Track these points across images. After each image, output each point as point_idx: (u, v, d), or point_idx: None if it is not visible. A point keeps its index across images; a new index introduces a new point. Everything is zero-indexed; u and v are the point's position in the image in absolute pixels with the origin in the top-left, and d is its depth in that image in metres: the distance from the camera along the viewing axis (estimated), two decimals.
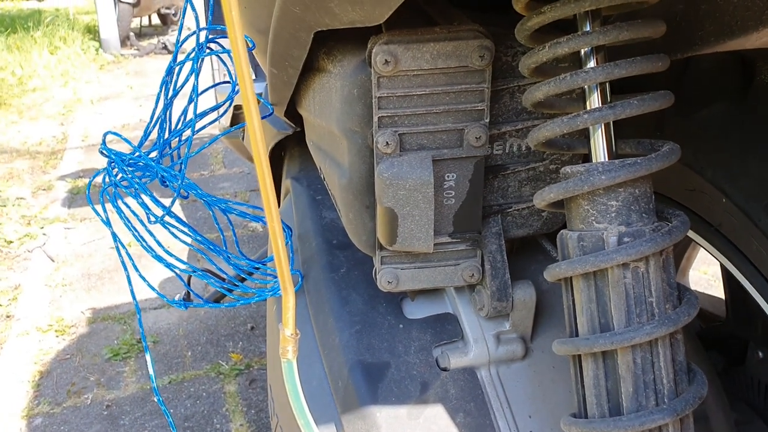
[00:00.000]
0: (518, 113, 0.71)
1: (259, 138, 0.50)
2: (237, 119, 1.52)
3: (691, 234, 0.72)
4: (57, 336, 2.36)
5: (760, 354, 0.86)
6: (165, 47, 7.85)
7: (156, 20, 9.40)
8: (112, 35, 7.69)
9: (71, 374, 2.14)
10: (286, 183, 1.15)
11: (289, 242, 0.91)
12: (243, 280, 0.90)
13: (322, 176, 0.86)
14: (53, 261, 2.91)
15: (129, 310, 2.49)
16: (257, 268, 0.90)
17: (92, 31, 8.30)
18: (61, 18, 8.53)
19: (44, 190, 3.80)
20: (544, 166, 0.74)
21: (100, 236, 3.11)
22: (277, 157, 1.27)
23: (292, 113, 0.97)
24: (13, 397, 2.04)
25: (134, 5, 7.87)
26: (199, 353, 2.20)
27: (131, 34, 8.08)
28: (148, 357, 0.82)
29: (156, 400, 0.87)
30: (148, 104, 5.56)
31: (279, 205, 1.34)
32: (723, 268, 0.91)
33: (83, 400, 2.01)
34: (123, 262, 0.85)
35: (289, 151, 1.20)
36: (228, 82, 0.89)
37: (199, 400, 1.98)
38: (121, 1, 7.71)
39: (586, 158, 0.61)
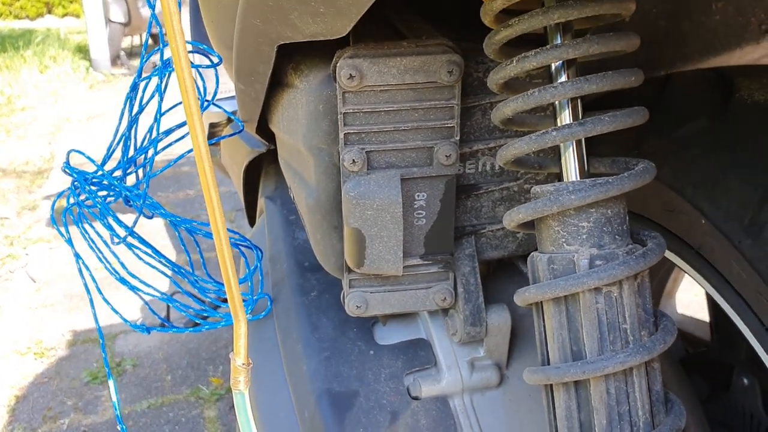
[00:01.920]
0: (491, 131, 0.69)
1: (205, 156, 0.47)
2: (212, 137, 1.50)
3: (670, 256, 0.69)
4: (36, 359, 2.31)
5: (745, 381, 0.83)
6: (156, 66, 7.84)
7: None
8: (102, 55, 7.68)
9: (48, 398, 2.09)
10: (261, 202, 1.12)
11: (259, 265, 0.88)
12: (216, 307, 0.87)
13: (291, 196, 0.84)
14: (35, 282, 2.86)
15: (110, 332, 2.45)
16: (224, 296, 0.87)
17: (83, 51, 8.30)
18: (51, 38, 8.53)
19: (29, 209, 3.76)
20: (518, 186, 0.72)
21: (84, 257, 3.06)
22: (256, 175, 1.25)
23: (265, 130, 0.94)
24: None
25: (125, 24, 7.87)
26: (180, 377, 2.16)
27: (122, 53, 8.08)
28: (111, 385, 0.79)
29: (120, 429, 0.83)
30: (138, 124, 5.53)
31: (253, 225, 1.32)
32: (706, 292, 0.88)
33: (59, 425, 1.96)
34: (86, 285, 0.82)
35: (265, 169, 1.17)
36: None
37: (178, 425, 1.93)
38: (112, 21, 7.70)
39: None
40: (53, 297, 2.72)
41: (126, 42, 8.74)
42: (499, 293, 0.78)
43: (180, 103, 0.90)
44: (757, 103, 0.62)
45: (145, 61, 0.79)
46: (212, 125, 1.25)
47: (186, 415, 1.98)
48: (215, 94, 0.84)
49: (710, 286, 0.64)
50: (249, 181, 1.21)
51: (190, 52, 0.84)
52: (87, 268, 0.83)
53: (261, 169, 1.18)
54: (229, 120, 1.25)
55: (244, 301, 0.87)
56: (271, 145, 1.04)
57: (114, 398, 0.83)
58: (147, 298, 0.86)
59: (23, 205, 3.82)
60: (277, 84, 0.78)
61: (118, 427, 0.80)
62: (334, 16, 0.53)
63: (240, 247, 0.89)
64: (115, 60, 7.93)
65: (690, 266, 0.66)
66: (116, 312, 0.84)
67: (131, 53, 8.70)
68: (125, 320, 0.86)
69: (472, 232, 0.72)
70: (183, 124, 0.85)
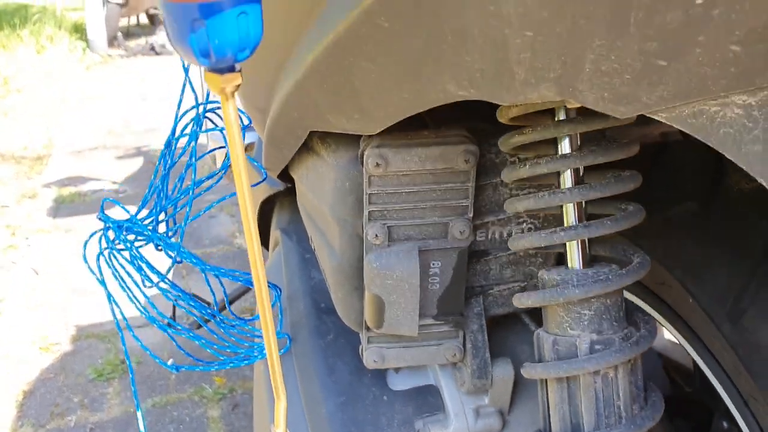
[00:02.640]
0: (500, 205, 0.75)
1: (255, 242, 0.53)
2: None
3: (661, 321, 0.76)
4: (41, 354, 2.37)
5: (725, 424, 0.90)
6: (152, 48, 7.84)
7: (144, 20, 9.37)
8: (99, 35, 7.66)
9: (55, 394, 2.15)
10: (275, 234, 1.18)
11: (278, 302, 0.95)
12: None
13: (312, 245, 0.90)
14: (37, 274, 2.92)
15: (113, 327, 2.51)
16: (247, 331, 0.93)
17: (79, 30, 8.26)
18: (48, 15, 8.48)
19: (29, 197, 3.80)
20: (524, 251, 0.78)
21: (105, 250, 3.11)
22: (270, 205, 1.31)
23: (284, 174, 1.00)
24: None
25: (122, 5, 7.85)
26: (183, 376, 2.23)
27: (119, 34, 8.06)
28: (139, 417, 0.85)
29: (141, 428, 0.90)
30: (134, 109, 5.56)
31: (267, 259, 1.38)
32: None
33: (66, 422, 2.03)
34: (119, 326, 0.88)
35: (279, 201, 1.23)
36: (223, 147, 0.92)
37: (182, 425, 2.01)
38: (110, 1, 7.68)
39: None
40: (56, 289, 2.77)
41: (123, 22, 8.72)
42: (503, 345, 0.85)
43: (205, 154, 0.96)
44: (743, 192, 0.69)
45: (179, 120, 0.84)
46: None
47: (190, 415, 2.05)
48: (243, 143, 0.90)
49: (697, 356, 0.71)
50: (263, 211, 1.28)
51: (216, 109, 0.90)
52: (121, 312, 0.89)
53: (275, 200, 1.25)
54: (246, 148, 1.30)
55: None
56: (288, 184, 1.10)
57: (141, 427, 0.89)
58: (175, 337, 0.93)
59: (23, 193, 3.86)
60: (303, 145, 0.84)
61: (138, 422, 0.87)
62: (367, 121, 0.59)
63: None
64: (112, 41, 7.91)
65: (680, 334, 0.73)
66: (153, 356, 0.91)
67: (128, 33, 8.68)
68: (157, 359, 0.92)
69: (481, 292, 0.79)
70: (213, 174, 0.91)
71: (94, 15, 7.62)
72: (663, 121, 0.43)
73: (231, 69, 0.42)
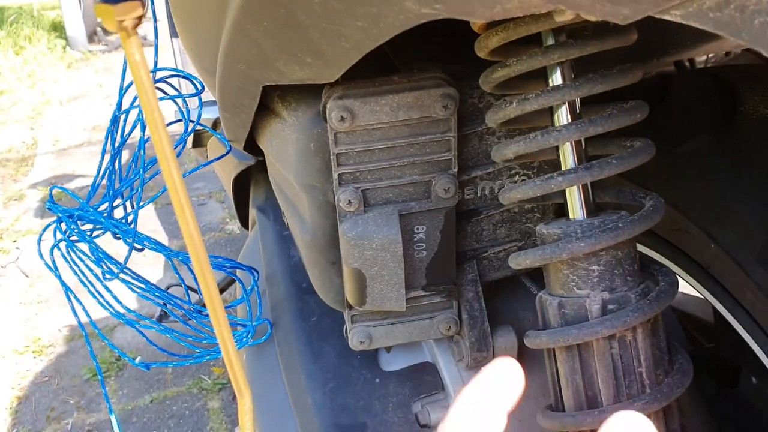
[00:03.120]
0: (488, 156, 0.66)
1: (184, 199, 0.44)
2: (200, 139, 1.46)
3: (678, 272, 0.68)
4: (34, 357, 2.30)
5: (754, 380, 0.82)
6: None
7: None
8: (78, 32, 7.51)
9: (50, 398, 2.08)
10: (252, 213, 1.09)
11: (256, 287, 0.86)
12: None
13: (285, 220, 0.81)
14: (27, 276, 2.84)
15: (107, 324, 2.43)
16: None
17: (58, 28, 8.10)
18: (25, 15, 8.32)
19: (16, 200, 3.71)
20: (518, 207, 0.70)
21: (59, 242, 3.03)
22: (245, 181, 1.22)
23: (252, 146, 0.91)
24: None
25: None
26: (181, 368, 2.15)
27: (98, 29, 7.90)
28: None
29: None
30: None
31: (245, 227, 1.29)
32: None
33: (63, 426, 1.96)
34: (81, 325, 0.80)
35: (254, 178, 1.14)
36: (179, 120, 0.83)
37: (182, 419, 1.93)
38: None
39: None
40: (47, 292, 2.69)
41: None
42: (504, 312, 0.76)
43: (169, 124, 0.87)
44: (762, 118, 0.60)
45: (125, 92, 0.75)
46: (197, 131, 1.22)
47: (190, 408, 1.98)
48: (199, 116, 0.81)
49: (722, 307, 0.63)
50: (239, 187, 1.19)
51: (166, 78, 0.81)
52: (80, 303, 0.81)
53: (250, 176, 1.16)
54: (215, 123, 1.21)
55: (243, 326, 0.85)
56: (260, 157, 1.01)
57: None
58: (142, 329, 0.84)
59: (9, 196, 3.77)
60: (263, 107, 0.75)
61: (135, 420, 0.79)
62: (322, 66, 0.50)
63: (234, 272, 0.87)
64: (91, 36, 7.76)
65: (700, 284, 0.65)
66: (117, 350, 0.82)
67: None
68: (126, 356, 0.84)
69: (474, 256, 0.71)
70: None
71: (71, 12, 7.47)
72: (677, 20, 0.34)
73: None
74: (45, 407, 2.05)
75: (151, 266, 2.64)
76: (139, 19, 0.35)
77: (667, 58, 0.72)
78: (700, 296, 1.13)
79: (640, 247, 0.73)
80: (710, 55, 1.04)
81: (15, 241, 3.16)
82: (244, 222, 1.29)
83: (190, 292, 0.98)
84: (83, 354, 2.28)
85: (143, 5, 0.35)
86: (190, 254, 0.44)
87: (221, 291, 1.82)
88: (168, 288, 1.52)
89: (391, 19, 0.41)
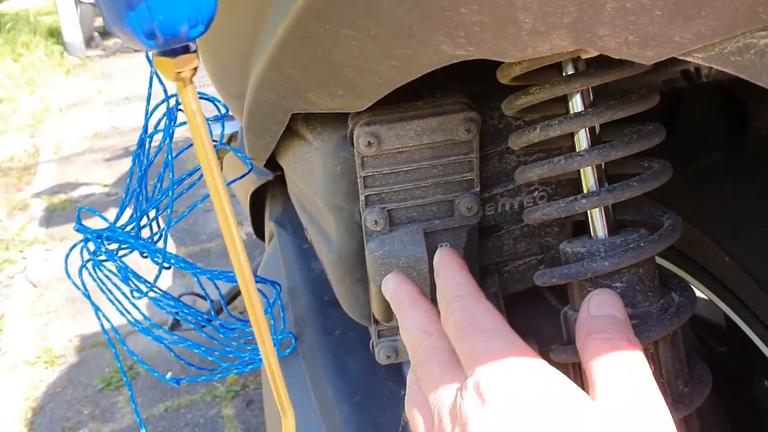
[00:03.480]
0: (508, 174, 0.68)
1: (228, 210, 0.46)
2: (218, 154, 1.48)
3: (693, 284, 0.70)
4: (46, 368, 2.32)
5: (767, 383, 0.84)
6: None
7: None
8: (76, 37, 7.52)
9: (64, 409, 2.10)
10: (270, 226, 1.12)
11: (278, 300, 0.89)
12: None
13: (308, 236, 0.84)
14: (35, 287, 2.86)
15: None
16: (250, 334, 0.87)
17: (55, 34, 8.12)
18: (21, 22, 8.34)
19: (20, 209, 3.73)
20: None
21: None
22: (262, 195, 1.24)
23: (271, 162, 0.94)
24: None
25: (95, 4, 7.69)
26: None
27: (95, 34, 7.92)
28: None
29: None
30: (118, 109, 5.46)
31: (260, 237, 1.31)
32: None
33: None
34: (109, 340, 0.82)
35: (270, 192, 1.16)
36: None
37: (197, 427, 1.96)
38: (82, 2, 7.52)
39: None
40: (56, 301, 2.72)
41: (99, 22, 8.57)
42: (522, 324, 0.78)
43: (185, 148, 0.89)
44: None
45: (151, 115, 0.78)
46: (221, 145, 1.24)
47: (204, 416, 2.00)
48: (222, 137, 0.83)
49: (737, 317, 0.65)
50: (255, 200, 1.21)
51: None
52: (108, 319, 0.83)
53: (266, 190, 1.18)
54: (230, 138, 1.23)
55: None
56: (278, 172, 1.04)
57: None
58: (171, 346, 0.87)
59: (13, 205, 3.79)
60: (287, 129, 0.77)
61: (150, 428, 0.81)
62: (353, 97, 0.53)
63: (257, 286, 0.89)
64: (89, 42, 7.78)
65: (717, 297, 0.67)
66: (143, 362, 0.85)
67: (105, 33, 8.53)
68: (147, 366, 0.86)
69: (495, 270, 0.73)
70: (193, 171, 0.84)
71: (67, 17, 7.48)
72: (698, 62, 0.36)
73: (185, 50, 0.36)
74: (60, 418, 2.07)
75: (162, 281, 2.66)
76: (195, 70, 0.37)
77: (675, 68, 0.74)
78: (710, 300, 1.15)
79: (658, 260, 0.75)
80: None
81: (21, 251, 3.18)
82: (260, 233, 1.31)
83: (206, 300, 1.00)
84: (95, 364, 2.31)
85: (198, 57, 0.37)
86: (236, 272, 0.46)
87: (233, 298, 1.84)
88: (180, 296, 1.54)
89: (425, 60, 0.43)
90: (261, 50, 0.56)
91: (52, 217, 3.53)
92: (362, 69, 0.47)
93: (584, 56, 0.48)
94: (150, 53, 0.45)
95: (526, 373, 0.44)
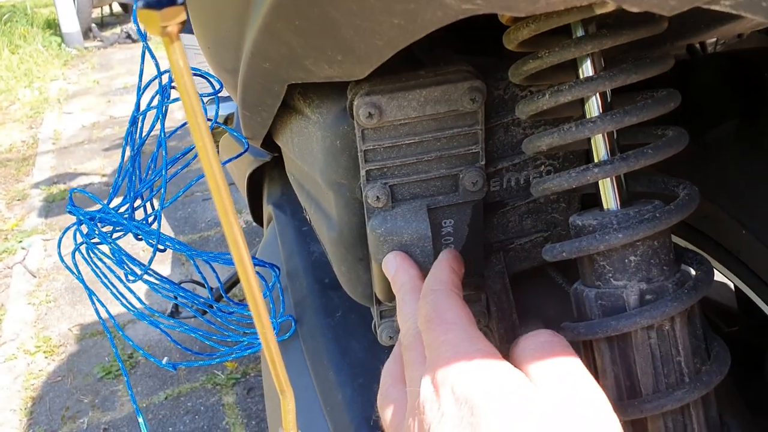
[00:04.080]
0: (514, 147, 0.66)
1: (223, 188, 0.44)
2: (216, 138, 1.45)
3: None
4: (46, 357, 2.30)
5: None
6: (129, 36, 7.64)
7: (117, 8, 9.15)
8: (73, 28, 7.48)
9: (64, 398, 2.09)
10: (268, 209, 1.09)
11: (278, 283, 0.86)
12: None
13: (306, 216, 0.81)
14: (35, 276, 2.84)
15: (117, 322, 2.43)
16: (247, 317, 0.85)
17: (52, 26, 8.07)
18: (18, 14, 8.28)
19: (19, 200, 3.71)
20: (544, 197, 0.69)
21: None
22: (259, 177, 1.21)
23: (269, 142, 0.91)
24: (7, 428, 1.99)
25: None
26: None
27: (93, 25, 7.86)
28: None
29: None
30: (116, 100, 5.43)
31: (258, 223, 1.28)
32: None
33: (79, 425, 1.96)
34: (107, 329, 0.80)
35: (269, 174, 1.14)
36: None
37: (197, 415, 1.94)
38: None
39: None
40: (55, 291, 2.70)
41: (96, 13, 8.52)
42: (527, 303, 0.76)
43: (180, 127, 0.86)
44: None
45: (142, 92, 0.75)
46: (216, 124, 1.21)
47: (205, 404, 1.98)
48: (216, 115, 0.81)
49: (751, 291, 0.63)
50: (252, 183, 1.18)
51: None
52: (104, 306, 0.81)
53: (264, 173, 1.15)
54: (227, 119, 1.21)
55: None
56: (275, 153, 1.01)
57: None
58: (167, 330, 0.84)
59: (12, 196, 3.77)
60: (283, 104, 0.75)
61: (151, 416, 0.79)
62: (353, 62, 0.50)
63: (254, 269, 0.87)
64: (86, 33, 7.73)
65: (729, 270, 0.65)
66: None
67: (102, 24, 8.48)
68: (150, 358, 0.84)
69: (500, 248, 0.70)
70: (187, 151, 0.82)
71: (65, 8, 7.42)
72: (726, 10, 0.34)
73: (171, 1, 0.33)
74: (59, 407, 2.05)
75: (158, 261, 2.64)
76: (183, 24, 0.34)
77: (681, 42, 0.71)
78: (720, 281, 1.13)
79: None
80: (721, 40, 1.04)
81: (20, 241, 3.16)
82: (258, 218, 1.29)
83: (205, 288, 0.98)
84: (95, 353, 2.29)
85: (186, 10, 0.34)
86: (233, 255, 0.43)
87: (233, 285, 1.82)
88: (180, 283, 1.52)
89: (429, 16, 0.40)
90: (255, 17, 0.53)
91: (50, 207, 3.51)
92: (362, 29, 0.44)
93: (599, 11, 0.45)
94: (134, 6, 0.43)
95: (479, 368, 0.43)
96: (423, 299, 0.53)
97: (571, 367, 0.45)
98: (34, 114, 5.33)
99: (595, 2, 0.39)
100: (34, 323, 2.50)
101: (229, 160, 0.88)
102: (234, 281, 1.74)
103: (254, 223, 1.37)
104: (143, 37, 0.69)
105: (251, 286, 0.43)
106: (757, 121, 0.62)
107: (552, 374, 0.44)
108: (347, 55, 0.49)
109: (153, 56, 0.71)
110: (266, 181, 1.16)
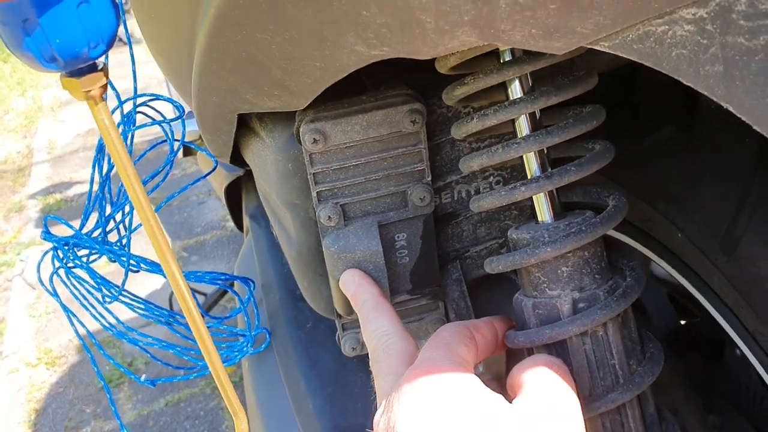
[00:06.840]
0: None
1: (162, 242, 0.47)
2: (189, 149, 1.48)
3: (655, 259, 0.70)
4: (47, 368, 2.34)
5: (738, 352, 0.85)
6: (120, 39, 7.65)
7: None
8: None
9: (66, 408, 2.12)
10: (246, 221, 1.12)
11: (251, 298, 0.89)
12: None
13: (273, 232, 0.84)
14: (34, 288, 2.88)
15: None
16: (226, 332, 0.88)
17: None
18: None
19: (16, 212, 3.73)
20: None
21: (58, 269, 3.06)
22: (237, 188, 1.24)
23: (239, 158, 0.94)
24: None
25: None
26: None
27: None
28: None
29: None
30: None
31: (240, 229, 1.31)
32: None
33: None
34: (85, 345, 0.83)
35: (245, 186, 1.16)
36: (165, 141, 0.86)
37: (197, 420, 1.98)
38: None
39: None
40: (55, 303, 2.71)
41: None
42: (487, 307, 0.79)
43: (153, 146, 0.89)
44: (721, 108, 0.62)
45: None
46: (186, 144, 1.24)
47: (204, 408, 2.02)
48: (183, 137, 0.84)
49: (696, 291, 0.65)
50: (231, 194, 1.21)
51: (152, 100, 0.83)
52: (83, 325, 0.84)
53: (241, 184, 1.18)
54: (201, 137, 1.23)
55: (243, 336, 0.88)
56: (247, 167, 1.04)
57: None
58: (146, 347, 0.87)
59: (9, 208, 3.80)
60: (244, 125, 0.77)
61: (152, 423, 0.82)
62: (289, 96, 0.53)
63: (231, 284, 0.90)
64: None
65: (676, 272, 0.67)
66: (119, 366, 0.85)
67: None
68: (129, 373, 0.87)
69: (456, 257, 0.73)
70: (156, 173, 0.85)
71: None
72: (607, 51, 0.36)
73: (91, 69, 0.36)
74: (62, 417, 2.09)
75: (152, 278, 2.67)
76: (104, 87, 0.37)
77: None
78: None
79: (619, 236, 0.75)
80: None
81: (19, 254, 3.19)
82: (240, 225, 1.32)
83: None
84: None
85: (106, 75, 0.37)
86: (172, 287, 0.46)
87: (214, 303, 1.84)
88: (171, 295, 1.55)
89: (345, 60, 0.43)
90: (198, 55, 0.56)
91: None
92: (289, 70, 0.47)
93: (502, 48, 0.47)
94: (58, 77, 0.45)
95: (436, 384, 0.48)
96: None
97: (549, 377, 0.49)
98: (28, 123, 5.35)
99: (488, 45, 0.42)
100: (34, 335, 2.53)
101: (202, 177, 0.91)
102: (222, 293, 1.77)
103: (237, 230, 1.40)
104: (129, 42, 0.71)
105: (193, 318, 0.46)
106: (692, 127, 0.64)
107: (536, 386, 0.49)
108: (282, 91, 0.52)
109: (111, 85, 0.73)
110: (243, 192, 1.19)
